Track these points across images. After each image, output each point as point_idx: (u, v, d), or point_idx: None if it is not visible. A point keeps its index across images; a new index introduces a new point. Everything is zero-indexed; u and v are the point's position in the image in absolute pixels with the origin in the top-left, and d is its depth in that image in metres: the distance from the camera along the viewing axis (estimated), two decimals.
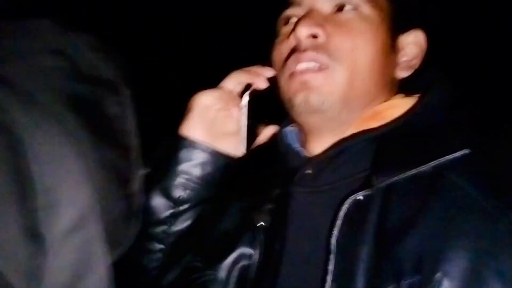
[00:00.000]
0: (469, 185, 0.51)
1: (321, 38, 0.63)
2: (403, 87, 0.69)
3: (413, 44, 0.68)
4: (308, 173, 0.63)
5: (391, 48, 0.66)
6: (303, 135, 0.69)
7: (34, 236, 0.37)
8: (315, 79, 0.62)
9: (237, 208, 0.71)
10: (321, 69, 0.62)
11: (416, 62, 0.69)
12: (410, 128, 0.60)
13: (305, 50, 0.63)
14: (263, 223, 0.64)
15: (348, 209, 0.54)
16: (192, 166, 0.68)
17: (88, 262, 0.44)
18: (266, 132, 0.73)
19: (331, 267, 0.54)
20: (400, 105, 0.64)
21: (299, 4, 0.67)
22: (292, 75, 0.64)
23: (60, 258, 0.40)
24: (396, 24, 0.66)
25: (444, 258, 0.48)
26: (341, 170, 0.61)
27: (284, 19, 0.69)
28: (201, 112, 0.70)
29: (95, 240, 0.45)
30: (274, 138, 0.73)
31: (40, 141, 0.40)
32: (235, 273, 0.64)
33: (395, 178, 0.54)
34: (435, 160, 0.53)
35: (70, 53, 0.47)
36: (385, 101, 0.66)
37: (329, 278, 0.53)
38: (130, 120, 0.55)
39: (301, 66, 0.63)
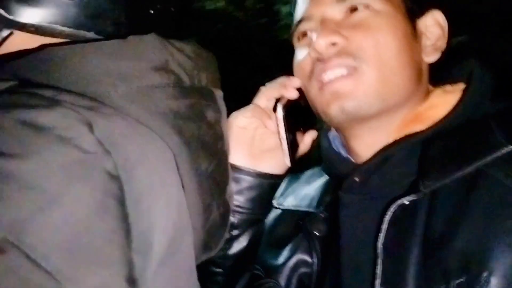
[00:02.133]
0: None
1: (341, 43, 0.62)
2: (435, 76, 0.69)
3: (433, 25, 0.67)
4: (356, 181, 0.64)
5: (413, 35, 0.65)
6: (346, 140, 0.69)
7: (131, 282, 0.37)
8: (346, 85, 0.61)
9: (290, 215, 0.72)
10: (349, 73, 0.61)
11: (442, 44, 0.67)
12: (454, 129, 0.60)
13: (328, 59, 0.62)
14: (317, 233, 0.66)
15: (394, 213, 0.55)
16: (237, 193, 0.66)
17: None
18: (306, 140, 0.71)
19: (378, 271, 0.55)
20: (440, 104, 0.63)
21: (310, 18, 0.66)
22: (321, 87, 0.63)
23: None
24: (411, 10, 0.65)
25: (490, 257, 0.48)
26: (387, 176, 0.62)
27: (299, 34, 0.69)
28: (238, 135, 0.67)
29: (185, 264, 0.46)
30: (316, 144, 0.73)
31: (140, 182, 0.40)
32: (294, 280, 0.67)
33: (441, 183, 0.55)
34: (479, 160, 0.53)
35: (173, 67, 0.48)
36: (423, 97, 0.65)
37: (377, 282, 0.55)
38: (224, 125, 0.56)
39: (329, 75, 0.62)
